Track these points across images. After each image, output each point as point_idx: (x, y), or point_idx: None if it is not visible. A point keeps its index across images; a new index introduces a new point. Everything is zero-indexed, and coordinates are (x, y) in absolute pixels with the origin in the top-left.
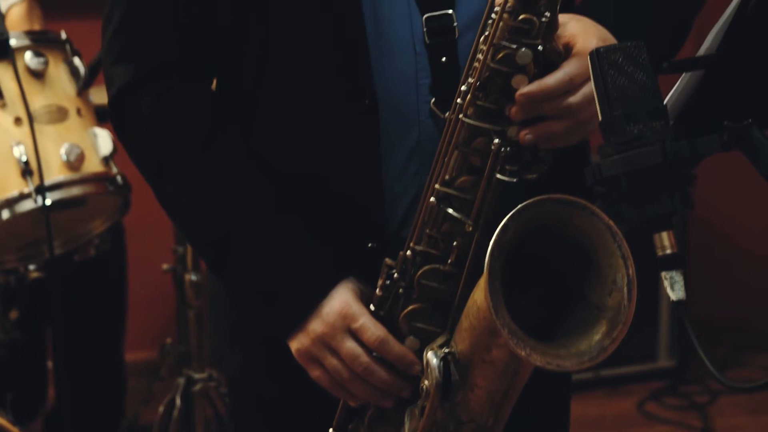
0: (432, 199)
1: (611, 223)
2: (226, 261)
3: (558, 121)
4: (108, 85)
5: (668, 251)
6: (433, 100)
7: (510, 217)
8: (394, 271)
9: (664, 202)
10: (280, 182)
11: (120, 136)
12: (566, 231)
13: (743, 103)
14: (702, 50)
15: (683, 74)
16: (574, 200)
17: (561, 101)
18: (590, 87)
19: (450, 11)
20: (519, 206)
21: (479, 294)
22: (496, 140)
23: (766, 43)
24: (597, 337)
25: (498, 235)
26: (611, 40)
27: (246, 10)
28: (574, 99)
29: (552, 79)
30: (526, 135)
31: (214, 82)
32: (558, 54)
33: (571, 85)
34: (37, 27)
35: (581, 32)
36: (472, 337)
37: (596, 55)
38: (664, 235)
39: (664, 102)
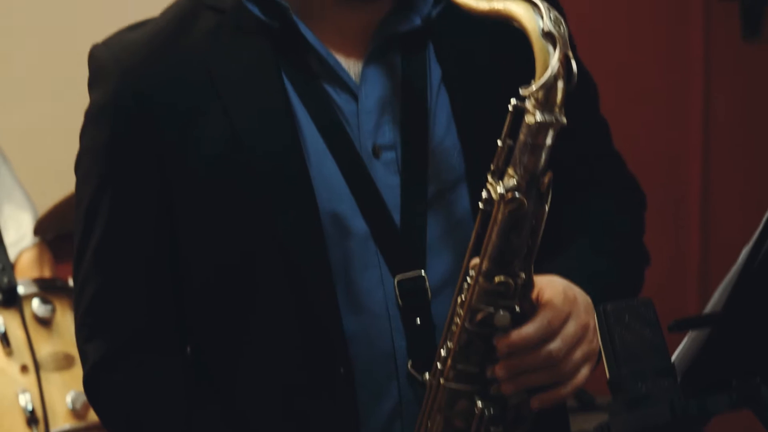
0: None
1: None
2: None
3: (540, 373)
4: (82, 362)
5: None
6: (410, 362)
7: None
8: None
9: None
10: None
11: (97, 413)
12: None
13: (751, 360)
14: (708, 308)
15: (690, 331)
16: None
17: (542, 349)
18: (569, 330)
19: (422, 272)
20: None
21: None
22: (480, 403)
23: None
24: None
25: None
26: (576, 290)
27: (219, 287)
28: (554, 345)
29: (531, 327)
30: (509, 388)
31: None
32: (534, 310)
33: (550, 331)
34: (47, 272)
35: (547, 284)
36: None
37: (603, 312)
38: None
39: (672, 359)
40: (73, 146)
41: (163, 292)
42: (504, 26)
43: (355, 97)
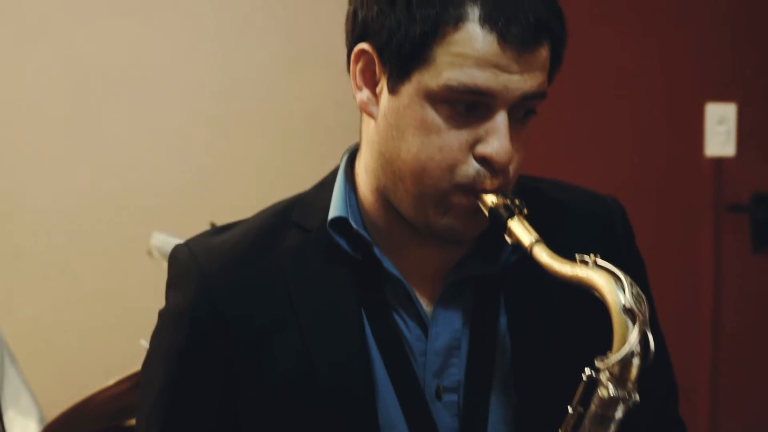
0: None
1: None
2: None
3: None
4: None
5: None
6: None
7: None
8: None
9: None
10: None
11: None
12: None
13: None
14: None
15: None
16: None
17: None
18: None
19: None
20: None
21: None
22: None
23: None
24: None
25: None
26: None
27: None
28: None
29: None
30: None
31: None
32: None
33: None
34: None
35: None
36: None
37: None
38: None
39: None
40: (79, 343)
41: None
42: (576, 288)
43: (425, 334)
